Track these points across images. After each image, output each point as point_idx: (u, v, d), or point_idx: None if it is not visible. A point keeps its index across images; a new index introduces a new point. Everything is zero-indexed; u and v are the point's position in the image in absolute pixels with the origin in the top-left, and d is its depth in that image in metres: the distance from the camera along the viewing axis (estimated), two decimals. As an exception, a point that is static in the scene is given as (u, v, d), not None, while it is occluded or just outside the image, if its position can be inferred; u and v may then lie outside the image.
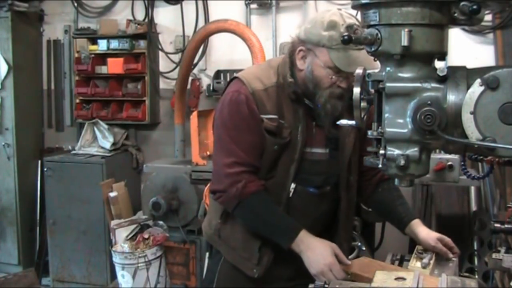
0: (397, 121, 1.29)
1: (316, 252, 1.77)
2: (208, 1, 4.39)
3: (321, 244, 1.80)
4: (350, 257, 1.88)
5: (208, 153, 3.92)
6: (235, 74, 1.96)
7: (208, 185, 3.24)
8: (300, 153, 1.87)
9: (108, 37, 4.46)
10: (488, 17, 3.68)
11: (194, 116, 3.65)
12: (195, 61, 4.19)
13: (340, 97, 1.81)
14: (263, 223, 1.88)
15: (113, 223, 3.92)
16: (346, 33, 1.32)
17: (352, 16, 1.78)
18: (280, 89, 1.86)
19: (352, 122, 1.41)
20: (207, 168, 3.54)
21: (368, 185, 2.09)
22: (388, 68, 1.31)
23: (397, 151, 1.29)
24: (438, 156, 3.02)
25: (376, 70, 1.35)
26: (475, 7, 1.17)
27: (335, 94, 1.80)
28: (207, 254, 3.22)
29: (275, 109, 1.84)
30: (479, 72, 1.23)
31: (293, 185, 1.89)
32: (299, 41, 1.85)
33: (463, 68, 1.27)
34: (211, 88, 4.21)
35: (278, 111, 1.85)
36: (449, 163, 3.01)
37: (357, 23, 1.76)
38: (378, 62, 1.65)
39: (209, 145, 3.97)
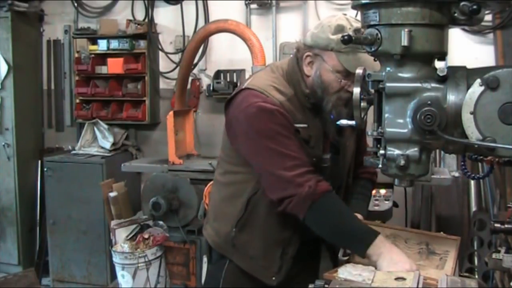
0: (397, 121, 1.29)
1: (393, 259, 1.67)
2: (208, 1, 4.39)
3: (399, 254, 1.71)
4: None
5: (185, 152, 4.01)
6: (245, 85, 1.87)
7: (208, 185, 3.25)
8: (319, 161, 1.87)
9: (108, 37, 4.46)
10: (488, 17, 3.68)
11: (170, 116, 3.69)
12: (195, 61, 4.18)
13: (347, 103, 1.80)
14: (337, 227, 1.79)
15: (113, 223, 3.91)
16: (346, 34, 1.32)
17: (358, 21, 1.77)
18: (299, 99, 1.85)
19: (352, 123, 1.41)
20: (182, 167, 3.71)
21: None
22: (388, 68, 1.31)
23: (397, 151, 1.29)
24: None
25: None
26: (475, 7, 1.18)
27: (342, 99, 1.80)
28: (205, 258, 3.20)
29: (302, 118, 1.82)
30: (479, 72, 1.23)
31: None
32: (306, 47, 1.83)
33: (463, 68, 1.27)
34: (211, 88, 4.21)
35: (305, 120, 1.83)
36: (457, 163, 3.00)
37: None
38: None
39: (186, 144, 4.07)
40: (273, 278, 1.89)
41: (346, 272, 1.64)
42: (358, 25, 1.75)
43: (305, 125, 1.82)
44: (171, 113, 3.73)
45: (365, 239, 1.70)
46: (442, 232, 1.86)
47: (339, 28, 1.75)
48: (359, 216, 1.98)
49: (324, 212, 1.75)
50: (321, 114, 1.86)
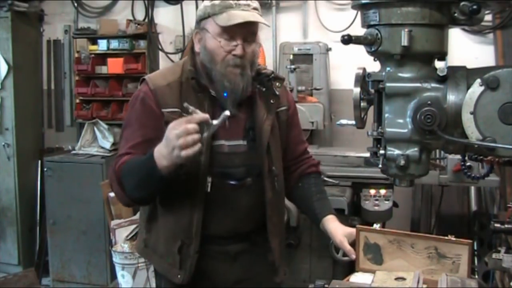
0: (397, 121, 1.29)
1: (163, 143, 1.62)
2: (208, 1, 4.39)
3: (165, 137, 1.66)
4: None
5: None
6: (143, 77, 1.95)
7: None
8: (208, 145, 1.76)
9: (108, 37, 4.46)
10: (488, 17, 3.69)
11: None
12: (195, 61, 4.18)
13: (239, 69, 1.77)
14: (134, 175, 1.75)
15: (113, 223, 3.91)
16: (346, 34, 1.31)
17: None
18: (184, 83, 1.83)
19: (352, 122, 1.41)
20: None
21: (291, 178, 2.05)
22: (388, 68, 1.31)
23: (397, 151, 1.29)
24: (457, 157, 2.98)
25: (376, 70, 1.35)
26: (475, 7, 1.18)
27: (231, 65, 1.76)
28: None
29: (177, 103, 1.79)
30: (479, 72, 1.23)
31: (209, 179, 1.81)
32: (195, 27, 1.86)
33: (463, 68, 1.27)
34: (211, 88, 4.21)
35: (181, 105, 1.78)
36: (468, 164, 2.98)
37: None
38: (262, 18, 1.76)
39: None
40: (179, 276, 1.83)
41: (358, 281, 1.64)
42: None
43: (175, 109, 1.78)
44: None
45: (150, 163, 1.66)
46: (449, 236, 1.80)
47: None
48: (331, 216, 1.92)
49: (125, 178, 1.77)
50: (218, 97, 1.82)
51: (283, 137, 1.98)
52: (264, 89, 1.91)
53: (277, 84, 1.95)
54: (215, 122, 1.62)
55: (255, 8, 1.79)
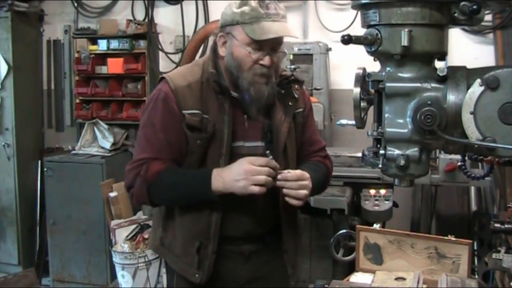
0: (397, 121, 1.29)
1: (231, 169, 1.73)
2: (208, 1, 4.39)
3: (233, 164, 1.75)
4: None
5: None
6: (162, 75, 1.94)
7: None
8: (228, 147, 1.81)
9: (108, 37, 4.46)
10: (488, 17, 3.69)
11: None
12: (195, 61, 4.18)
13: (265, 78, 1.78)
14: (179, 189, 1.81)
15: (113, 223, 3.92)
16: (346, 34, 1.31)
17: None
18: (205, 84, 1.83)
19: (352, 122, 1.41)
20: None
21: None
22: (388, 68, 1.31)
23: (397, 151, 1.29)
24: (449, 157, 2.98)
25: (376, 70, 1.35)
26: (475, 7, 1.18)
27: (258, 74, 1.77)
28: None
29: (198, 104, 1.80)
30: (479, 72, 1.23)
31: None
32: (219, 29, 1.85)
33: (463, 68, 1.27)
34: (211, 88, 4.20)
35: (202, 106, 1.81)
36: (459, 163, 2.97)
37: None
38: (292, 29, 1.78)
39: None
40: (196, 276, 1.84)
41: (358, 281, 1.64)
42: None
43: (196, 111, 1.79)
44: None
45: (204, 182, 1.75)
46: (449, 236, 1.79)
47: (243, 2, 1.76)
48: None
49: (161, 189, 1.80)
50: (240, 99, 1.83)
51: (298, 138, 1.99)
52: (283, 91, 1.92)
53: (296, 86, 1.96)
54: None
55: (283, 17, 1.79)
